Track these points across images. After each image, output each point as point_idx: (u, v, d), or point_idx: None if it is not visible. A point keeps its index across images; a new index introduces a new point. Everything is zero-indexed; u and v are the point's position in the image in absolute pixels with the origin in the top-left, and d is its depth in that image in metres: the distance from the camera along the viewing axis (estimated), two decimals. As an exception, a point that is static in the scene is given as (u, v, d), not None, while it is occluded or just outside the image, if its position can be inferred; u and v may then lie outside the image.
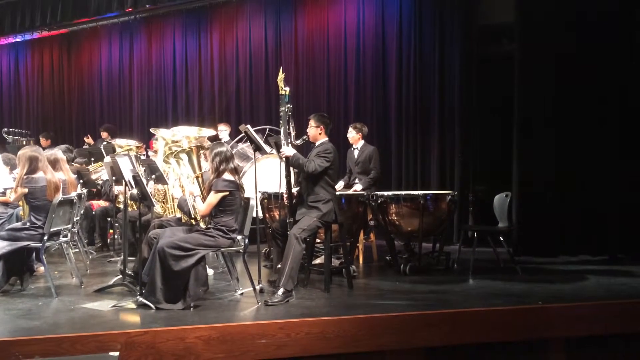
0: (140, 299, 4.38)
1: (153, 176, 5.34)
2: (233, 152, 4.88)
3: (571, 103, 6.50)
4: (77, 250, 6.16)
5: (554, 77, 6.57)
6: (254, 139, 5.45)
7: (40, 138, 9.86)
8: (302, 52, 9.03)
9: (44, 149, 6.93)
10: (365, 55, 8.45)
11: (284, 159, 5.04)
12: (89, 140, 9.86)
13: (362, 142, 6.65)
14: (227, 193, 4.53)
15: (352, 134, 6.65)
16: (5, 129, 10.02)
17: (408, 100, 8.04)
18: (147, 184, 4.86)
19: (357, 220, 5.84)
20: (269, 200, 6.09)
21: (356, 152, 6.65)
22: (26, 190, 4.90)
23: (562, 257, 6.50)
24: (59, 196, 4.93)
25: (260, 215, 6.23)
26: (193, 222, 4.91)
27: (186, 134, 5.40)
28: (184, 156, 4.88)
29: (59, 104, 11.59)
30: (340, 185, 6.52)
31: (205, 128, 5.87)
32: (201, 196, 4.72)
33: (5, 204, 5.97)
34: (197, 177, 4.84)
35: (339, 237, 5.37)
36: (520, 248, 6.55)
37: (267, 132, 7.76)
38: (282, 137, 5.00)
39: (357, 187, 6.39)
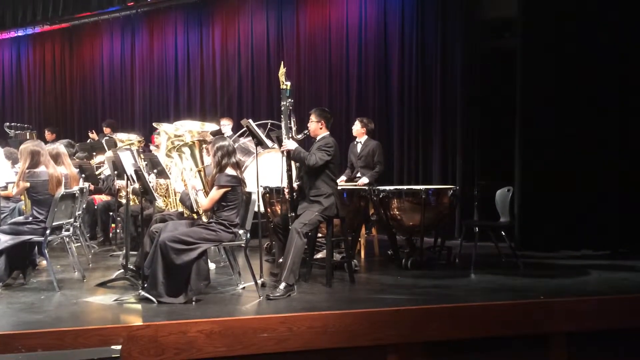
0: (142, 293, 4.38)
1: (155, 170, 5.35)
2: (235, 146, 4.88)
3: (573, 98, 6.49)
4: (80, 244, 6.17)
5: (556, 72, 6.55)
6: (255, 134, 5.45)
7: (45, 132, 9.86)
8: (304, 46, 9.01)
9: (47, 142, 6.94)
10: (367, 49, 8.41)
11: (285, 152, 5.04)
12: (92, 135, 9.86)
13: (365, 136, 6.64)
14: (230, 188, 4.54)
15: (358, 127, 6.63)
16: (7, 123, 10.02)
17: (410, 94, 8.02)
18: (148, 178, 4.86)
19: (359, 214, 5.84)
20: (271, 194, 6.09)
21: (359, 146, 6.64)
22: (28, 184, 4.91)
23: (563, 251, 6.50)
24: (61, 190, 4.94)
25: (262, 209, 6.24)
26: (195, 216, 4.92)
27: (189, 129, 5.40)
28: (186, 150, 4.88)
29: (61, 99, 11.61)
30: (342, 179, 6.52)
31: (207, 122, 5.86)
32: (203, 190, 4.73)
33: (7, 198, 5.97)
34: (199, 171, 4.85)
35: (341, 231, 5.37)
36: (522, 243, 6.56)
37: (269, 126, 7.76)
38: (283, 131, 5.00)
39: (364, 180, 6.36)
